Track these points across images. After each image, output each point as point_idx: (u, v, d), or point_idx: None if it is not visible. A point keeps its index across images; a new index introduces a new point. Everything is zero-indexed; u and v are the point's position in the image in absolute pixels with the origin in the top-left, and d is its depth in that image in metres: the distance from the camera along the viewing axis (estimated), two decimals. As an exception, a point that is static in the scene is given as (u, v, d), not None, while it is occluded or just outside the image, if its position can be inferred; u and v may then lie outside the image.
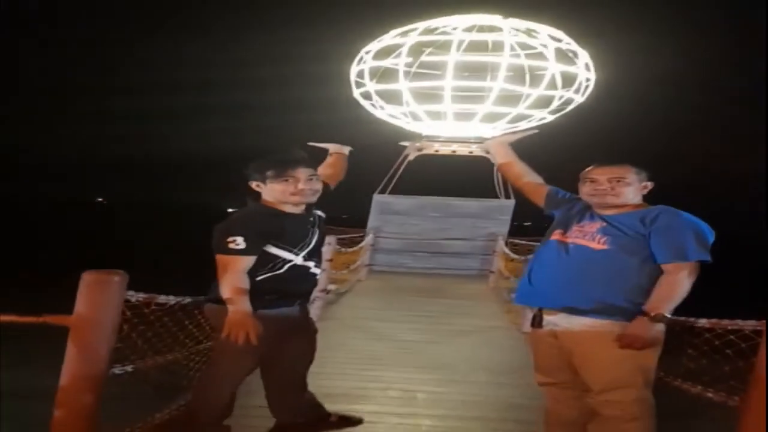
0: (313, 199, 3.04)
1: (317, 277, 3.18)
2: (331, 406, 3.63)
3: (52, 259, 21.17)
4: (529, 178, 3.38)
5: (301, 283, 3.09)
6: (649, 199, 2.95)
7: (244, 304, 2.80)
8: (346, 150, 3.71)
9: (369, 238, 12.83)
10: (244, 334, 2.75)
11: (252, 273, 2.87)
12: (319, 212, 3.17)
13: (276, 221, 2.95)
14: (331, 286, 8.74)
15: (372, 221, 13.84)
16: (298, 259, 2.99)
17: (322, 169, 3.46)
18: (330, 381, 4.34)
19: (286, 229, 2.96)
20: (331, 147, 3.68)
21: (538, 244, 3.23)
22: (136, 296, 2.82)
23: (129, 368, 2.93)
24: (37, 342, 2.70)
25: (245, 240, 2.81)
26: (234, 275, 2.82)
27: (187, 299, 3.28)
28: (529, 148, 3.62)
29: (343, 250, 9.90)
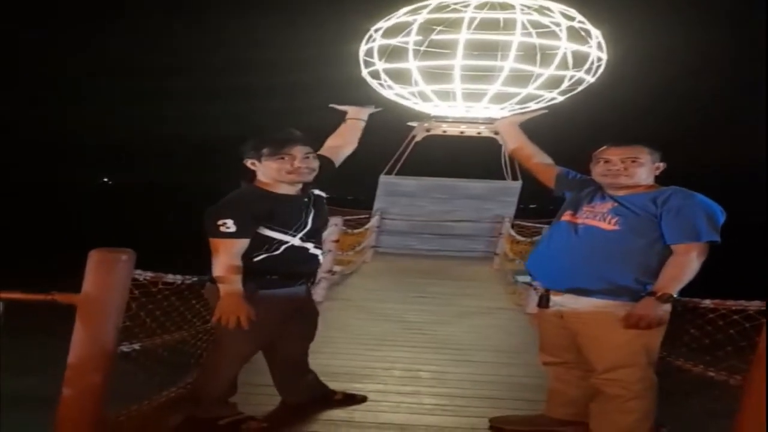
0: (309, 178, 3.00)
1: (318, 257, 3.16)
2: (335, 385, 3.66)
3: (60, 239, 21.27)
4: (538, 159, 3.37)
5: (300, 264, 3.07)
6: (662, 180, 2.95)
7: (235, 285, 2.81)
8: (365, 114, 3.55)
9: (375, 220, 12.82)
10: (235, 318, 2.76)
11: (248, 254, 2.88)
12: (318, 191, 3.12)
13: (268, 203, 2.92)
14: (337, 268, 8.77)
15: (378, 203, 13.81)
16: (295, 240, 2.98)
17: (331, 140, 3.42)
18: (335, 360, 4.37)
19: (278, 210, 2.93)
20: (350, 110, 3.53)
21: (544, 226, 3.24)
22: (143, 275, 2.83)
23: (137, 346, 2.95)
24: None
25: (235, 223, 2.79)
26: (224, 258, 2.81)
27: (194, 278, 3.30)
28: (538, 128, 3.60)
29: (349, 231, 9.91)
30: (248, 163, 3.00)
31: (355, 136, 3.52)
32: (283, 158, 2.92)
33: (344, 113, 3.56)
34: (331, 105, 3.60)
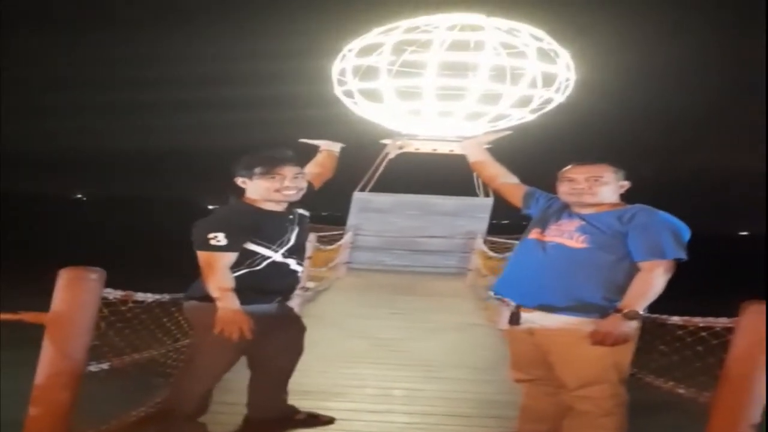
0: (297, 197, 3.06)
1: (298, 274, 3.19)
2: (307, 403, 3.63)
3: (30, 257, 20.89)
4: (504, 179, 3.41)
5: (280, 280, 3.09)
6: (631, 195, 3.00)
7: (233, 301, 2.84)
8: (337, 148, 3.70)
9: (348, 236, 12.84)
10: (238, 330, 2.79)
11: (230, 269, 2.89)
12: (301, 210, 3.18)
13: (255, 218, 2.97)
14: (310, 284, 8.74)
15: (351, 219, 13.84)
16: (277, 256, 3.01)
17: (310, 168, 3.47)
18: (307, 378, 4.32)
19: (265, 226, 2.97)
20: (322, 144, 3.67)
21: (516, 242, 3.26)
22: (113, 294, 2.81)
23: (105, 365, 2.92)
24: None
25: (226, 236, 2.83)
26: (218, 273, 2.84)
27: (166, 296, 3.28)
28: (508, 147, 3.64)
29: (322, 247, 9.90)
30: (239, 181, 3.04)
31: (333, 165, 3.66)
32: (273, 177, 2.97)
33: (315, 146, 3.68)
34: (301, 139, 3.69)
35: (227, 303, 2.83)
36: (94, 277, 2.65)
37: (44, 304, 2.61)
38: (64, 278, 2.60)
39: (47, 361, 2.58)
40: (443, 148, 14.80)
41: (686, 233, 2.79)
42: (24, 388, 2.63)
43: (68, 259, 2.72)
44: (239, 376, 3.40)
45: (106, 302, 2.77)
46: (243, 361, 3.27)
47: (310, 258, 7.97)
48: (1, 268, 15.91)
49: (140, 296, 3.09)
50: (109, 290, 2.76)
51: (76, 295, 2.61)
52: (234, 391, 3.49)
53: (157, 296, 3.22)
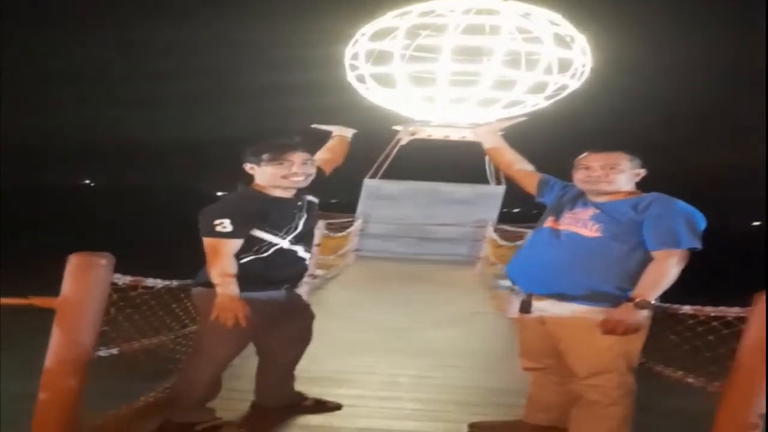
0: (305, 183, 3.05)
1: (306, 261, 3.19)
2: (314, 390, 3.64)
3: (39, 243, 21.03)
4: (520, 166, 3.39)
5: (287, 267, 3.09)
6: (645, 186, 2.97)
7: (232, 288, 2.84)
8: (350, 133, 3.69)
9: (358, 224, 12.81)
10: (233, 316, 2.79)
11: (236, 255, 2.89)
12: (310, 197, 3.17)
13: (263, 205, 2.96)
14: (319, 271, 8.75)
15: (362, 206, 13.79)
16: (285, 243, 3.00)
17: (321, 153, 3.46)
18: (314, 365, 4.31)
19: (272, 212, 2.97)
20: (335, 129, 3.66)
21: (527, 230, 3.25)
22: (122, 279, 2.81)
23: (114, 351, 2.92)
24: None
25: (232, 223, 2.83)
26: (222, 259, 2.85)
27: (174, 283, 3.28)
28: (523, 134, 3.60)
29: (331, 234, 9.90)
30: (247, 167, 3.04)
31: (344, 150, 3.64)
32: (281, 164, 2.97)
33: (328, 132, 3.67)
34: (314, 125, 3.69)
35: (226, 289, 2.83)
36: (103, 262, 2.64)
37: (53, 290, 2.62)
38: (73, 263, 2.59)
39: (56, 346, 2.58)
40: (456, 135, 14.66)
41: (702, 222, 2.76)
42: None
43: (77, 245, 2.72)
44: (247, 363, 3.41)
45: (115, 288, 2.77)
46: (251, 347, 3.28)
47: (318, 245, 7.97)
48: (12, 257, 15.99)
49: (150, 282, 3.09)
50: (118, 276, 2.76)
51: (85, 280, 2.60)
52: (242, 377, 3.50)
53: (167, 282, 3.22)
